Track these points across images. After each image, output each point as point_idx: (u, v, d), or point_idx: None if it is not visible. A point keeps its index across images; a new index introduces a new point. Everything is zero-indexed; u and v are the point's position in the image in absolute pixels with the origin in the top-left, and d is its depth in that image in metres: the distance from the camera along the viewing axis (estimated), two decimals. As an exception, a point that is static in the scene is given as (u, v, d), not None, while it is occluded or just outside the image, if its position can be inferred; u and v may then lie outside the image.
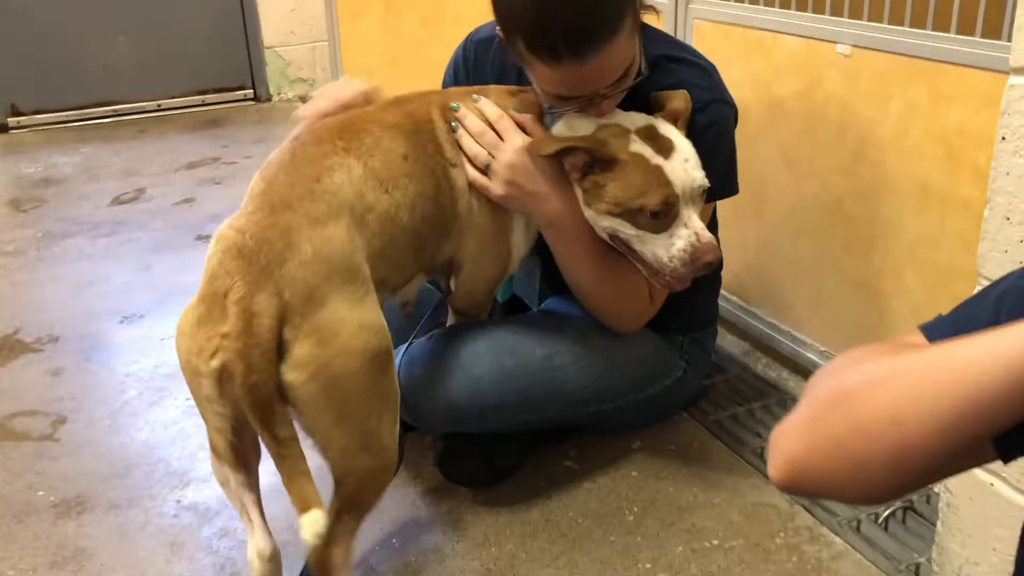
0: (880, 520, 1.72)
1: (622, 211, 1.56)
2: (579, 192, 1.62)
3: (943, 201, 1.75)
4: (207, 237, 3.26)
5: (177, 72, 4.97)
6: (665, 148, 1.55)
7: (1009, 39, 1.56)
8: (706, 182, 1.57)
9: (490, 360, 1.71)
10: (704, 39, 2.27)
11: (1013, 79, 1.21)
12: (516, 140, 1.60)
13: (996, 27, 1.66)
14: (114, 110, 4.87)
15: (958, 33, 1.69)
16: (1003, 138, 1.24)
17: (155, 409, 2.22)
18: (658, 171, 1.53)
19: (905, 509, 1.74)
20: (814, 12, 2.00)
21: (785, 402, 2.13)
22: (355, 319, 1.33)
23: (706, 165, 1.62)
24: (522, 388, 1.73)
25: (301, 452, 1.28)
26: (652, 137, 1.56)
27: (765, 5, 2.11)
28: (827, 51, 1.94)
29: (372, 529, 1.77)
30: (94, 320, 2.67)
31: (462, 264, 1.68)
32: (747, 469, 1.90)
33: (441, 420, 1.77)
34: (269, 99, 5.16)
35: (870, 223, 1.93)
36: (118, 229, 3.36)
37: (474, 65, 1.87)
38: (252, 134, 4.54)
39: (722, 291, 2.32)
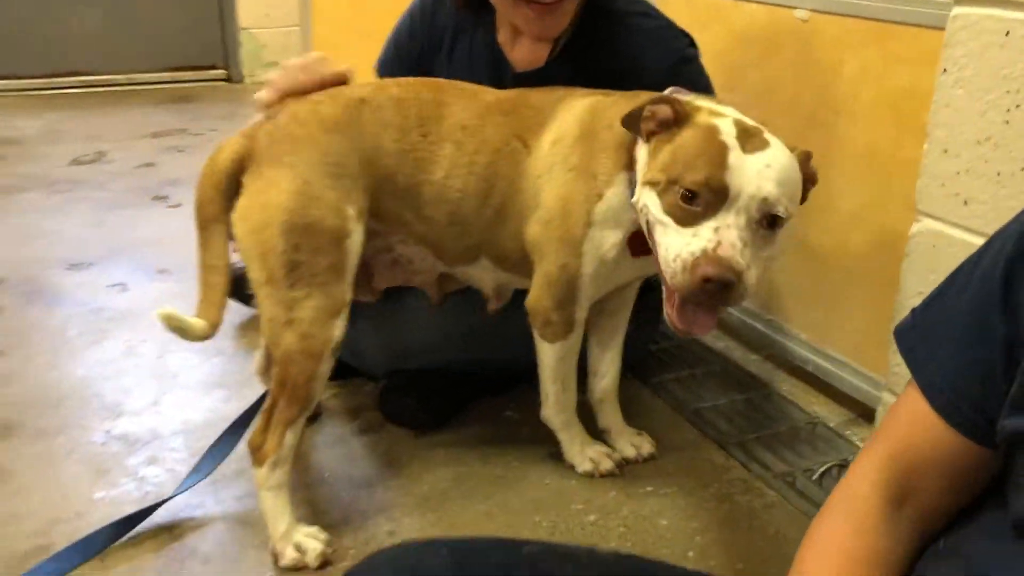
0: (815, 477, 1.72)
1: (660, 183, 1.29)
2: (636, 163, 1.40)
3: (890, 164, 1.77)
4: (163, 198, 3.23)
5: (149, 47, 4.94)
6: (754, 144, 1.26)
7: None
8: (777, 208, 1.23)
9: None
10: (666, 6, 2.28)
11: (956, 9, 1.22)
12: None
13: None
14: (83, 80, 4.82)
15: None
16: (944, 70, 1.25)
17: (95, 348, 2.18)
18: (721, 150, 1.24)
19: (841, 467, 1.74)
20: (775, -22, 2.02)
21: (728, 368, 2.13)
22: (292, 189, 1.41)
23: None
24: (464, 326, 1.71)
25: (217, 283, 1.46)
26: (749, 132, 1.28)
27: (728, -26, 2.13)
28: (786, 17, 1.96)
29: (308, 462, 1.74)
30: (41, 266, 2.63)
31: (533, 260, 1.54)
32: (686, 427, 1.90)
33: (383, 356, 1.75)
34: (241, 80, 5.13)
35: (819, 187, 1.93)
36: (74, 187, 3.31)
37: (431, 20, 1.85)
38: (221, 110, 4.51)
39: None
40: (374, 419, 1.88)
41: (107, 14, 4.80)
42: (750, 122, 1.32)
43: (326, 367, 1.45)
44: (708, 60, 2.16)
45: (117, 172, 3.50)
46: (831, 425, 1.92)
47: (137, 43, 4.89)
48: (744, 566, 1.50)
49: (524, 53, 1.72)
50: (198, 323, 1.43)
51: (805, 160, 1.32)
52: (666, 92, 1.45)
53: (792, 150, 1.31)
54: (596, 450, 1.72)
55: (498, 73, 1.77)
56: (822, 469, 1.73)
